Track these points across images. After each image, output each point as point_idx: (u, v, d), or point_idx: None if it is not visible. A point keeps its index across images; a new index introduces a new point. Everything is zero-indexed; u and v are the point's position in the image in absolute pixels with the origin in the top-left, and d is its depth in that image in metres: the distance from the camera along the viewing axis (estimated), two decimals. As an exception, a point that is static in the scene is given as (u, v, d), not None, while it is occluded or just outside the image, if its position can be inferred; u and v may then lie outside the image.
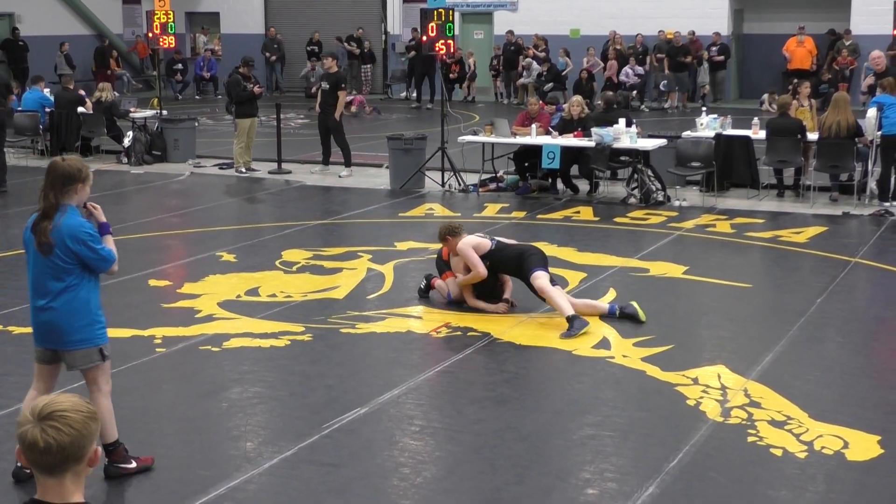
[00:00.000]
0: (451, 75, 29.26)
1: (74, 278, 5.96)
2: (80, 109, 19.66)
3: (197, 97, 32.39)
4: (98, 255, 5.97)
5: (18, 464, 6.09)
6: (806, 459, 6.45)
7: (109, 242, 6.16)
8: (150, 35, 20.64)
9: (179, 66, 32.81)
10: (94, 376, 6.11)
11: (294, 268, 11.27)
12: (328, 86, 17.48)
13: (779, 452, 6.54)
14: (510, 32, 30.26)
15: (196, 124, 20.24)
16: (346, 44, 32.14)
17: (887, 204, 14.27)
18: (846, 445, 6.63)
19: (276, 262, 11.46)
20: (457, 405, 7.41)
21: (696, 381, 7.79)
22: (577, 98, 16.52)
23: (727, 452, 6.58)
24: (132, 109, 20.31)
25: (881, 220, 13.77)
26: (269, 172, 17.89)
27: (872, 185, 14.72)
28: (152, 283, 10.70)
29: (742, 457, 6.51)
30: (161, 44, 20.69)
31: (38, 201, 6.00)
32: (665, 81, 28.39)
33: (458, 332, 9.05)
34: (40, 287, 6.00)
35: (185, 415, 7.29)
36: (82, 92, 20.34)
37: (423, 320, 9.47)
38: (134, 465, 6.29)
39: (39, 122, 19.75)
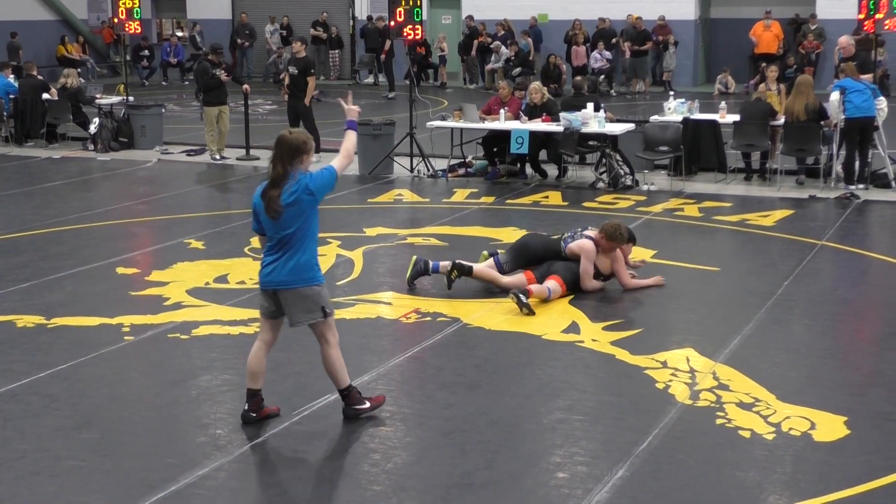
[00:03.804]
0: (418, 58, 29.15)
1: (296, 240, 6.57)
2: (45, 96, 19.48)
3: (164, 83, 32.17)
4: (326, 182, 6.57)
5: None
6: (774, 441, 6.50)
7: (351, 139, 6.94)
8: (116, 20, 20.47)
9: (146, 52, 32.58)
10: (321, 331, 6.74)
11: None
12: (297, 71, 17.40)
13: (747, 434, 6.59)
14: (469, 17, 30.29)
15: (163, 111, 20.10)
16: (312, 29, 32.03)
17: (852, 187, 14.37)
18: (813, 426, 6.69)
19: (245, 249, 11.42)
20: (427, 390, 7.42)
21: (665, 364, 7.83)
22: (536, 84, 16.52)
23: (696, 435, 6.62)
24: (98, 96, 20.16)
25: (846, 202, 13.87)
26: (238, 159, 17.81)
27: (838, 168, 14.82)
28: (120, 270, 10.64)
29: (711, 439, 6.55)
30: (126, 29, 20.52)
31: (268, 171, 6.60)
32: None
33: (428, 318, 9.05)
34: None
35: (154, 403, 7.26)
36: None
37: (393, 306, 9.47)
38: (368, 404, 6.84)
39: (4, 109, 19.57)
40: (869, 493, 5.82)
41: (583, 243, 9.72)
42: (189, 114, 23.65)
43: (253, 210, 6.80)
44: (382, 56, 29.44)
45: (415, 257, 10.04)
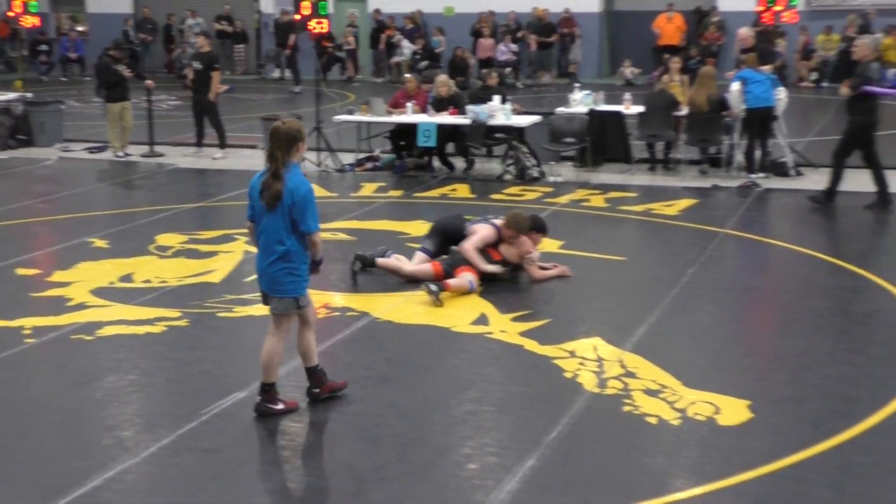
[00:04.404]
0: (326, 51, 28.97)
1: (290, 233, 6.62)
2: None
3: (63, 79, 31.54)
4: (309, 215, 6.62)
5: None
6: (680, 426, 6.61)
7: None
8: (11, 14, 20.00)
9: (44, 46, 31.90)
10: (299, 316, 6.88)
11: (169, 252, 11.09)
12: (201, 66, 17.19)
13: (654, 421, 6.69)
14: (377, 11, 30.24)
15: (63, 107, 19.71)
16: (216, 23, 31.68)
17: (754, 176, 14.65)
18: (718, 411, 6.81)
19: (150, 247, 11.26)
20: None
21: (573, 353, 7.91)
22: (442, 77, 16.56)
23: (604, 423, 6.70)
24: (-6, 92, 19.70)
25: (748, 191, 14.14)
26: (142, 156, 17.54)
27: (739, 157, 15.10)
28: (20, 271, 10.41)
29: (619, 426, 6.64)
30: (22, 23, 20.05)
31: (266, 162, 6.65)
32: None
33: (338, 313, 9.02)
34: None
35: (59, 406, 7.12)
36: None
37: (302, 302, 9.40)
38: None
39: None
40: (772, 475, 5.94)
41: (482, 226, 9.83)
42: (90, 110, 23.23)
43: (249, 196, 6.84)
44: (287, 51, 29.22)
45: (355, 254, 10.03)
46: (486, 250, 9.81)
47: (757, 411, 6.81)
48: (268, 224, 6.68)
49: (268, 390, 6.84)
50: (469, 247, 9.72)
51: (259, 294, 6.96)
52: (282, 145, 6.60)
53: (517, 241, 9.80)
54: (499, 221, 9.90)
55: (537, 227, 10.03)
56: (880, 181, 12.92)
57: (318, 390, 7.00)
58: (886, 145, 14.35)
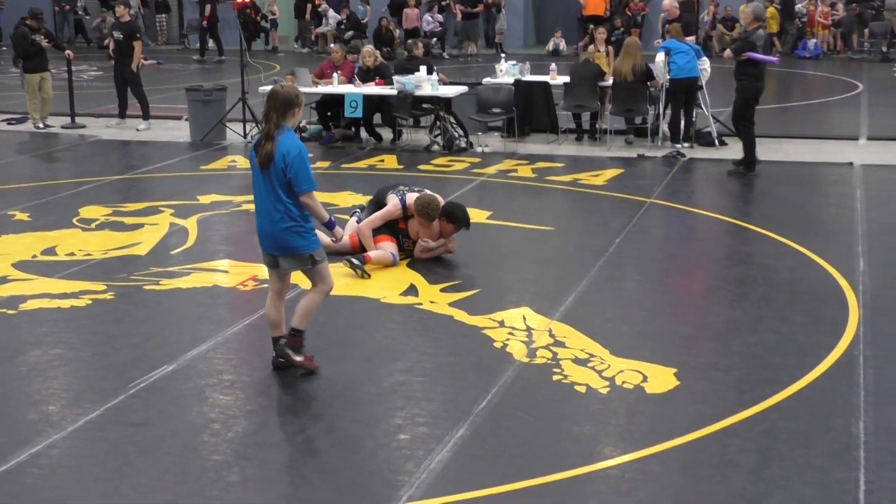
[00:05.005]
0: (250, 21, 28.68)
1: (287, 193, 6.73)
2: None
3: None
4: (302, 176, 6.69)
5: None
6: (608, 395, 6.68)
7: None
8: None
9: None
10: (311, 276, 7.09)
11: (93, 225, 10.92)
12: (122, 36, 16.90)
13: (583, 389, 6.75)
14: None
15: (-21, 78, 19.29)
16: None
17: (678, 146, 14.80)
18: (645, 379, 6.90)
19: (74, 220, 11.09)
20: (266, 358, 7.34)
21: (502, 323, 7.95)
22: (368, 48, 16.49)
23: (534, 392, 6.75)
24: None
25: (673, 161, 14.29)
26: (63, 127, 17.23)
27: (664, 127, 15.24)
28: (-60, 245, 10.20)
29: (548, 395, 6.69)
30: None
31: (261, 123, 6.80)
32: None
33: (266, 285, 8.93)
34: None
35: (-18, 381, 7.00)
36: None
37: (230, 274, 9.34)
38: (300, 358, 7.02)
39: None
40: (699, 441, 6.04)
41: (392, 200, 9.67)
42: (7, 81, 22.74)
43: (249, 159, 6.97)
44: (204, 21, 28.80)
45: None
46: (398, 221, 9.68)
47: (683, 379, 6.90)
48: (263, 185, 6.78)
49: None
50: (364, 226, 9.61)
51: (265, 258, 7.06)
52: (278, 108, 6.71)
53: (425, 224, 9.61)
54: (412, 196, 9.76)
55: (455, 220, 9.64)
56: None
57: (286, 358, 7.04)
58: (799, 115, 14.60)
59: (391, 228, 9.64)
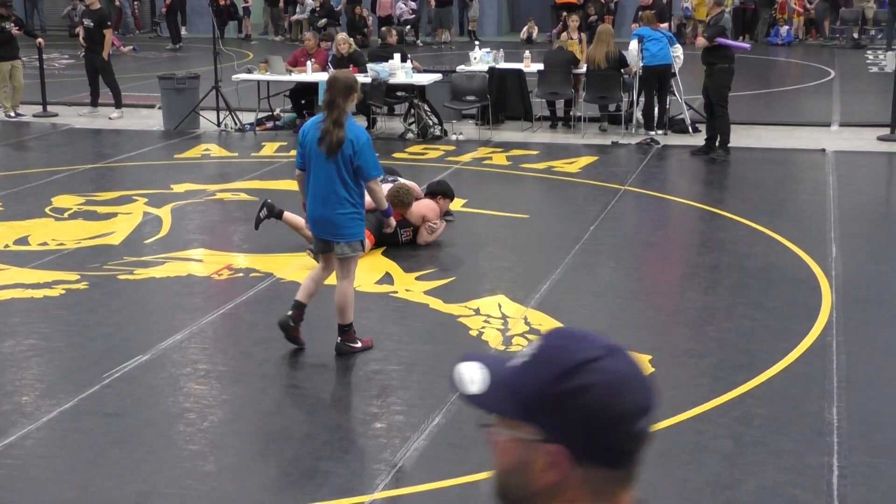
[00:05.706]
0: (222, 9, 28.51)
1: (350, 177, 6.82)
2: None
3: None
4: (371, 162, 6.87)
5: None
6: (583, 381, 6.69)
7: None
8: None
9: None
10: (343, 267, 7.08)
11: (66, 214, 10.85)
12: (92, 24, 16.77)
13: (558, 376, 6.76)
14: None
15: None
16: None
17: (652, 133, 14.84)
18: (620, 366, 6.90)
19: (46, 209, 11.01)
20: (242, 347, 7.35)
21: (477, 311, 7.96)
22: (342, 36, 16.45)
23: (509, 379, 6.75)
24: None
25: (647, 148, 14.33)
26: (34, 116, 17.10)
27: (638, 114, 15.28)
28: (-90, 235, 10.11)
29: (523, 382, 6.69)
30: None
31: (324, 108, 6.90)
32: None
33: (241, 274, 8.94)
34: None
35: (-46, 372, 6.96)
36: None
37: (204, 263, 9.31)
38: (360, 344, 7.09)
39: None
40: (674, 427, 6.06)
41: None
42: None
43: (300, 144, 7.02)
44: (164, 9, 28.57)
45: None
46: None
47: (658, 365, 6.93)
48: (323, 171, 6.83)
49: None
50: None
51: (314, 246, 7.24)
52: (341, 93, 6.80)
53: (407, 212, 9.60)
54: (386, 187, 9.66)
55: (445, 193, 10.09)
56: (712, 130, 13.59)
57: (349, 352, 7.09)
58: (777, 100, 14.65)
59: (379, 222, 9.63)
